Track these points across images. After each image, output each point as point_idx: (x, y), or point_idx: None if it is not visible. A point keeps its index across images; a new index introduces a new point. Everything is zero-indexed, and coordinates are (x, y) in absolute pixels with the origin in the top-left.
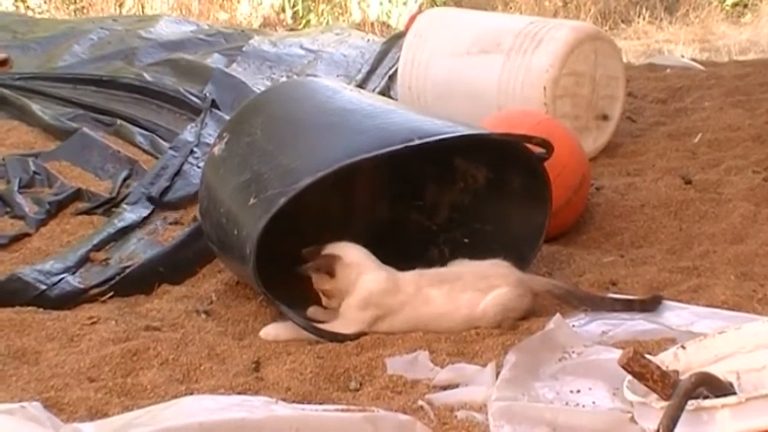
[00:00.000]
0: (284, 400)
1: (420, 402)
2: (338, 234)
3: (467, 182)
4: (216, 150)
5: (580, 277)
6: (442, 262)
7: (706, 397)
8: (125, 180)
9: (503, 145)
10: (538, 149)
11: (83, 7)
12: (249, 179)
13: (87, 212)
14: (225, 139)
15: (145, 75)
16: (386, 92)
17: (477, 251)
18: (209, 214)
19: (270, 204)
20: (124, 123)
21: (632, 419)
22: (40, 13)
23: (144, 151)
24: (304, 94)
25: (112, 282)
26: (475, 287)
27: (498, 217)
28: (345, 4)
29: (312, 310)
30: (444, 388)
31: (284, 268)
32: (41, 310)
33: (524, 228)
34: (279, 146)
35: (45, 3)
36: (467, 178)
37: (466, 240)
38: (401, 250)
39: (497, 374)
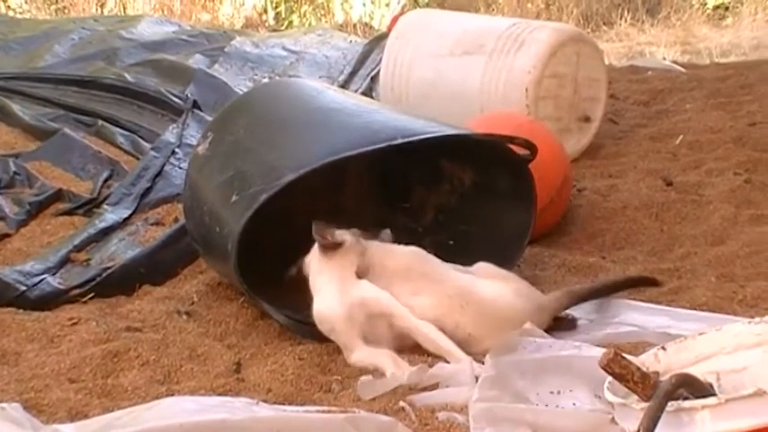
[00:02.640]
0: (265, 401)
1: (401, 403)
2: None
3: (453, 184)
4: (200, 149)
5: (562, 279)
6: None
7: (686, 398)
8: (106, 181)
9: (487, 146)
10: (521, 150)
11: (64, 7)
12: (232, 177)
13: (68, 213)
14: (209, 138)
15: (126, 75)
16: (368, 93)
17: (462, 253)
18: (192, 213)
19: (251, 201)
20: (105, 124)
21: (613, 421)
22: (20, 14)
23: (125, 152)
24: (289, 94)
25: (93, 282)
26: None
27: (483, 218)
28: (328, 6)
29: None
30: (425, 389)
31: (272, 271)
32: (21, 310)
33: (509, 229)
34: (262, 144)
35: (26, 3)
36: (453, 180)
37: (451, 242)
38: None
39: (477, 375)
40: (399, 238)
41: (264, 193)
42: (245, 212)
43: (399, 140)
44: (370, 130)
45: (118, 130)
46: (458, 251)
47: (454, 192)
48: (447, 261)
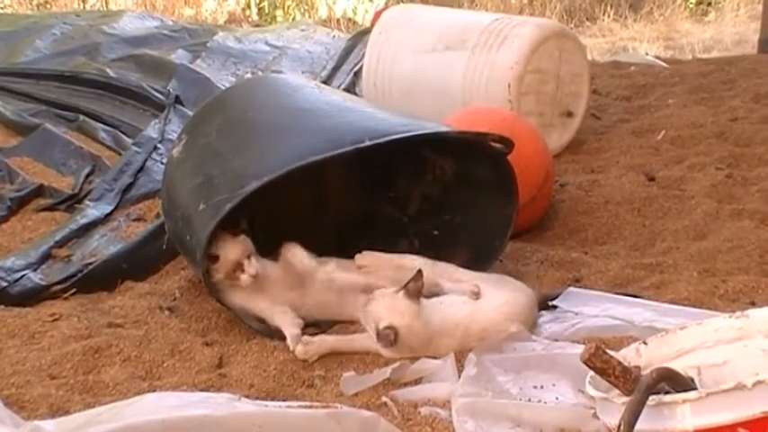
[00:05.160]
0: (247, 396)
1: (384, 399)
2: (310, 226)
3: (435, 174)
4: (174, 152)
5: (544, 273)
6: (412, 253)
7: (667, 392)
8: (88, 176)
9: (466, 138)
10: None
11: (46, 2)
12: (201, 183)
13: (49, 209)
14: (183, 141)
15: (108, 70)
16: (351, 88)
17: (447, 243)
18: (169, 215)
19: (216, 211)
20: (87, 119)
21: (595, 415)
22: (2, 8)
23: (107, 147)
24: (262, 94)
25: (75, 278)
26: None
27: (467, 209)
28: (312, 1)
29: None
30: (407, 384)
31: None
32: (2, 306)
33: (493, 220)
34: (231, 149)
35: None
36: (435, 170)
37: (436, 232)
38: (372, 242)
39: (459, 370)
40: (385, 228)
41: (228, 202)
42: (210, 222)
43: (366, 143)
44: (339, 132)
45: (100, 125)
46: (443, 241)
47: (437, 181)
48: (433, 251)
